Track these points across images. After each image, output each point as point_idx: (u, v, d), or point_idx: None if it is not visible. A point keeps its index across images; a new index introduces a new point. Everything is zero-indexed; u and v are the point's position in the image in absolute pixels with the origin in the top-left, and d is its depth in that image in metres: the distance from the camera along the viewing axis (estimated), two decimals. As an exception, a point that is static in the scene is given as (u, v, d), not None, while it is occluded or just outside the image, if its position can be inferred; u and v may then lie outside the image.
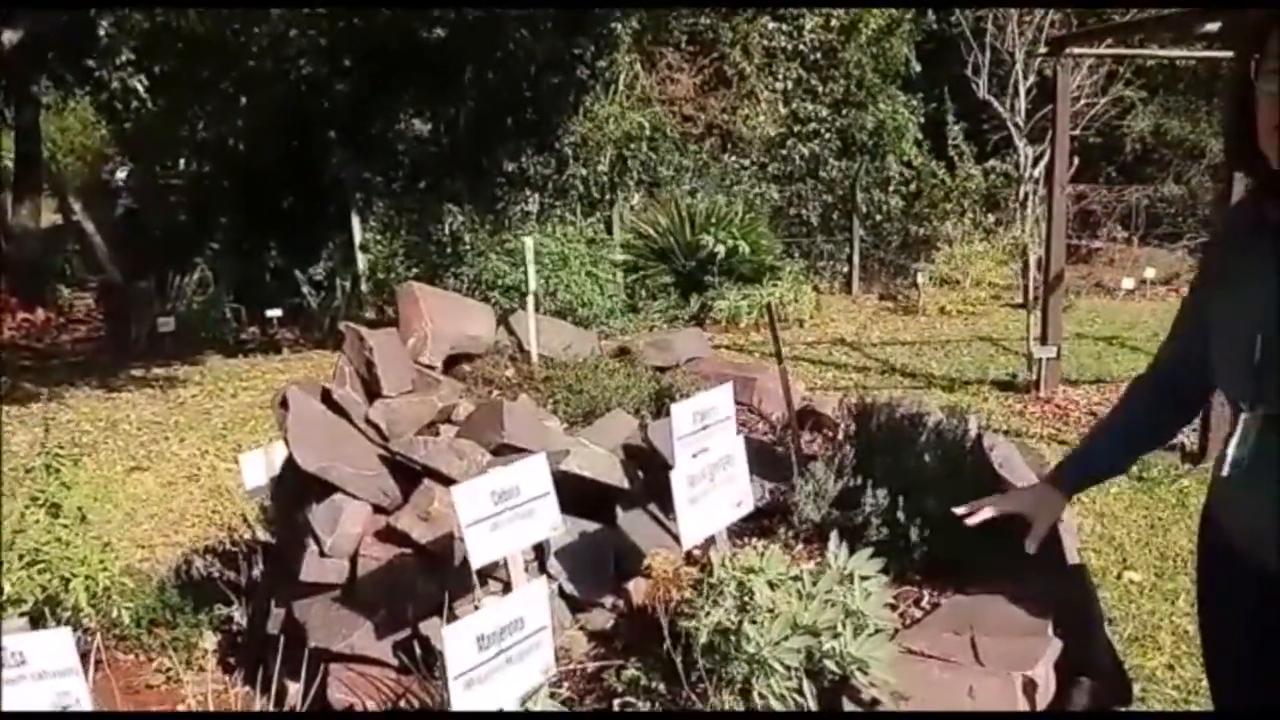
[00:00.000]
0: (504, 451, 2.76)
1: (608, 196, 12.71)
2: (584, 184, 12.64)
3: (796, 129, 14.41)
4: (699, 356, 4.13)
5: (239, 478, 3.98)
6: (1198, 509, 1.85)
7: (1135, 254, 14.38)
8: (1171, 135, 15.51)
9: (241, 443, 6.68)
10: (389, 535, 2.74)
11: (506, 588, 2.29)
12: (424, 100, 12.14)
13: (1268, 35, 1.50)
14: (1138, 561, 4.50)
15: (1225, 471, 1.60)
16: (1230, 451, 1.59)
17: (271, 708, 2.63)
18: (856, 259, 13.91)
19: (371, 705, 2.57)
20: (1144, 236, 15.12)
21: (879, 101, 14.48)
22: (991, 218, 13.81)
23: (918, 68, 14.79)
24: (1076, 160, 10.74)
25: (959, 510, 2.11)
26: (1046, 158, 8.81)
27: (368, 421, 2.96)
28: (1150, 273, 12.72)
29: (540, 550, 2.63)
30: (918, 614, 2.35)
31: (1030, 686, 2.00)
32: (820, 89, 14.51)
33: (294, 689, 2.62)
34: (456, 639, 1.75)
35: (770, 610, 2.05)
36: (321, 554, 2.76)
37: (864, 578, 2.18)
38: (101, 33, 7.89)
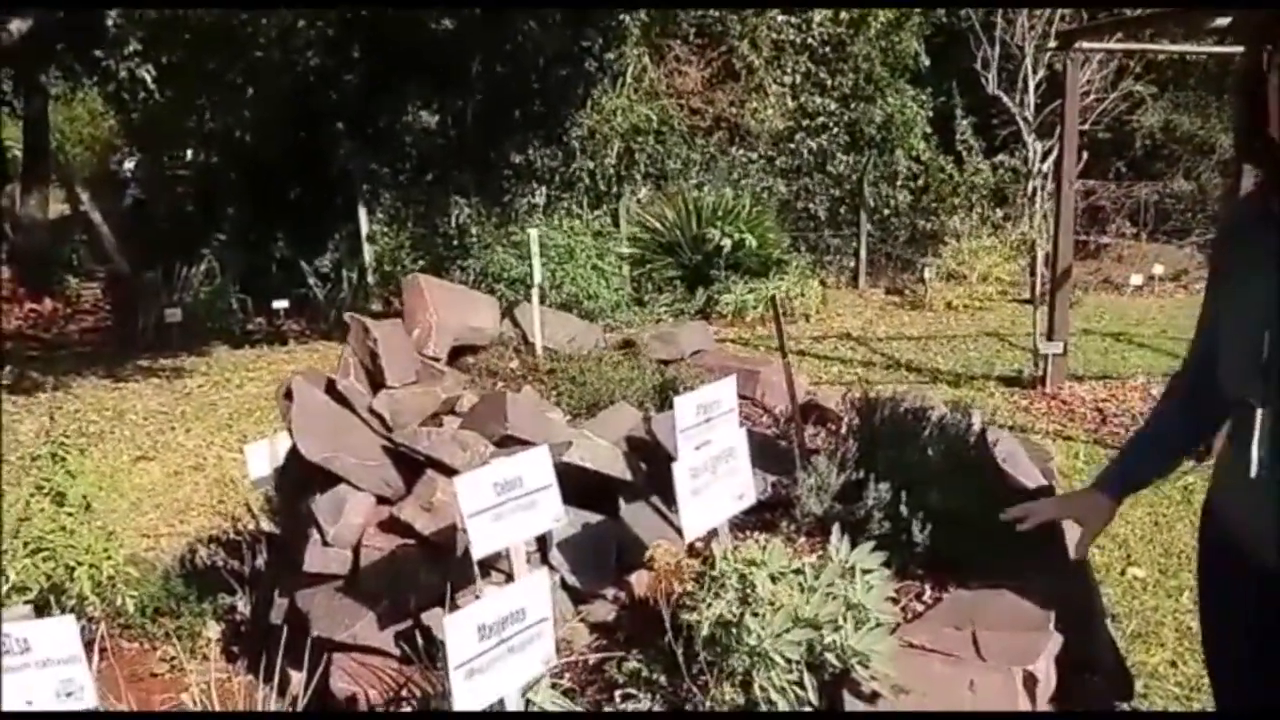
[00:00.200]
0: (507, 443, 2.77)
1: (614, 189, 12.69)
2: (591, 177, 12.62)
3: (805, 122, 14.36)
4: (703, 350, 4.13)
5: (244, 468, 4.00)
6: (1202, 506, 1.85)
7: (1144, 250, 14.32)
8: (1181, 131, 15.42)
9: (247, 433, 6.70)
10: (392, 526, 2.75)
11: (509, 579, 2.29)
12: (431, 92, 12.13)
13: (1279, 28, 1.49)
14: (1142, 558, 4.49)
15: (1254, 473, 1.57)
16: (1253, 452, 1.56)
17: (274, 697, 2.64)
18: (863, 253, 13.87)
19: (374, 695, 2.58)
20: (1153, 232, 15.05)
21: (887, 95, 14.41)
22: (999, 213, 13.75)
23: (927, 62, 14.71)
24: (1085, 155, 10.70)
25: (1010, 514, 2.09)
26: (1055, 153, 8.75)
27: (371, 412, 2.96)
28: (1159, 269, 12.66)
29: (543, 542, 2.63)
30: (919, 608, 2.35)
31: (1031, 681, 2.00)
32: (829, 82, 14.45)
33: (297, 678, 2.63)
34: (458, 629, 1.75)
35: (771, 603, 2.05)
36: (325, 544, 2.77)
37: (866, 571, 2.18)
38: (110, 23, 7.89)
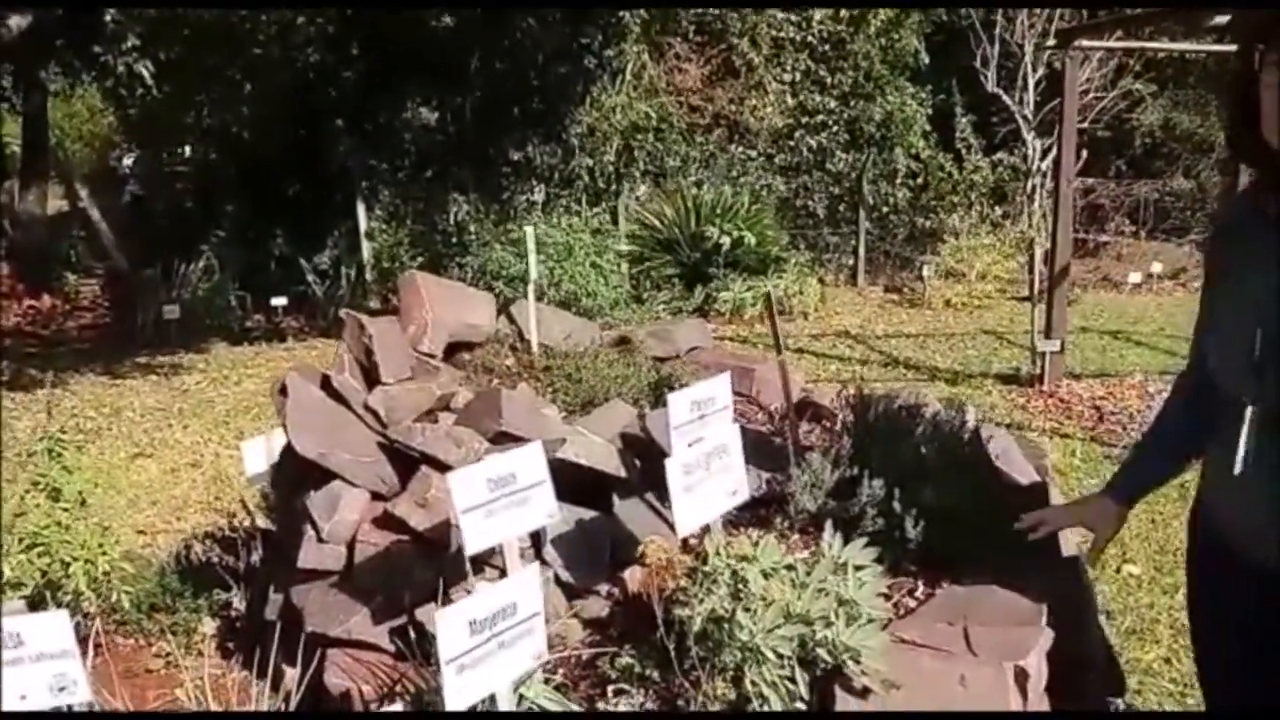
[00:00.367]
0: (502, 439, 2.77)
1: (613, 187, 12.69)
2: (590, 174, 12.63)
3: (804, 120, 14.36)
4: (700, 347, 4.12)
5: (240, 465, 4.00)
6: (1197, 503, 1.85)
7: (1143, 248, 14.33)
8: (1181, 129, 15.43)
9: (245, 430, 6.70)
10: (387, 522, 2.75)
11: (502, 575, 2.29)
12: (431, 89, 12.12)
13: (1273, 28, 1.49)
14: (1137, 555, 4.49)
15: (1237, 469, 1.57)
16: (1240, 448, 1.57)
17: (269, 693, 2.64)
18: (862, 251, 13.87)
19: (368, 690, 2.58)
20: (1152, 230, 15.06)
21: (887, 93, 14.42)
22: (999, 211, 13.77)
23: (926, 59, 14.72)
24: (1085, 153, 10.71)
25: (1023, 523, 2.10)
26: (1054, 151, 8.76)
27: (366, 408, 2.96)
28: (1157, 267, 12.67)
29: (537, 538, 2.64)
30: (912, 604, 2.35)
31: (1022, 676, 2.01)
32: (828, 80, 14.45)
33: (291, 674, 2.64)
34: (449, 624, 1.75)
35: (763, 599, 2.06)
36: (320, 540, 2.77)
37: (858, 567, 2.19)
38: (108, 18, 7.89)
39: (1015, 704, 1.99)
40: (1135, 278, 12.31)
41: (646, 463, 2.86)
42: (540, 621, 1.95)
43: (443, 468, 2.65)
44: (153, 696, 2.95)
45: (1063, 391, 7.45)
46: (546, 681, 2.23)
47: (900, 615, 2.28)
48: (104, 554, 3.04)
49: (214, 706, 2.60)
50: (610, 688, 2.23)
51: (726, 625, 2.04)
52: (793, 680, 2.03)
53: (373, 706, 2.51)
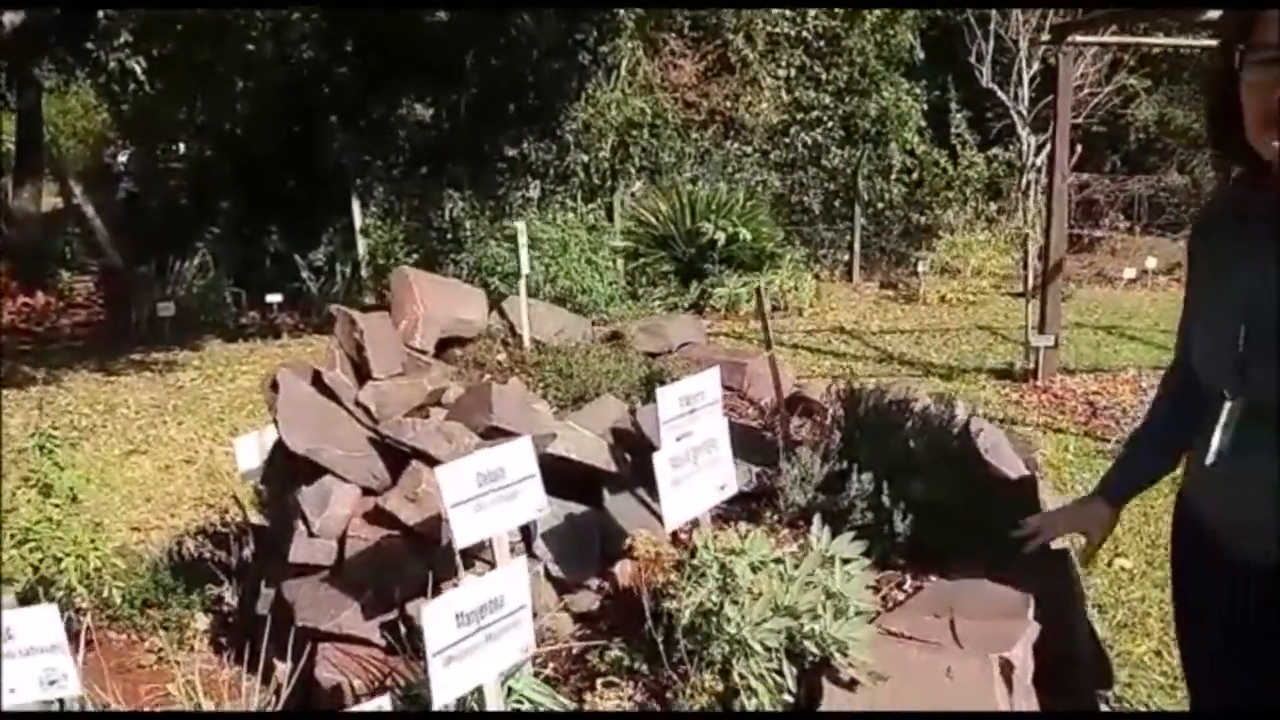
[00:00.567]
0: (493, 434, 2.77)
1: (609, 183, 12.68)
2: (585, 170, 12.61)
3: (799, 116, 14.36)
4: (692, 342, 4.13)
5: (234, 461, 4.00)
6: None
7: (1137, 243, 14.34)
8: (1175, 124, 15.44)
9: (239, 426, 6.69)
10: (377, 517, 2.76)
11: (492, 569, 2.30)
12: (425, 85, 12.10)
13: (1252, 26, 1.49)
14: (1129, 548, 4.50)
15: (1209, 460, 1.58)
16: (1214, 440, 1.57)
17: (260, 687, 2.65)
18: (858, 247, 13.87)
19: (358, 684, 2.59)
20: (1146, 226, 15.09)
21: (882, 89, 14.41)
22: (994, 206, 13.78)
23: (921, 55, 14.71)
24: (1079, 149, 10.72)
25: (1019, 534, 2.14)
26: (1049, 146, 8.76)
27: (357, 404, 2.97)
28: (1152, 262, 12.68)
29: (527, 532, 2.64)
30: (900, 597, 2.36)
31: (1007, 668, 2.02)
32: (823, 76, 14.45)
33: (282, 668, 2.65)
34: (435, 616, 1.76)
35: (751, 592, 2.07)
36: (310, 535, 2.78)
37: (846, 561, 2.20)
38: (101, 15, 7.88)
39: (1001, 695, 2.00)
40: (1130, 273, 12.32)
41: (637, 457, 2.87)
42: (527, 614, 1.95)
43: (433, 463, 2.65)
44: (145, 691, 2.96)
45: (1056, 386, 7.46)
46: (537, 675, 2.24)
47: (888, 608, 2.29)
48: (96, 550, 3.04)
49: (206, 701, 2.60)
50: (599, 681, 2.24)
51: (714, 618, 2.05)
52: (780, 673, 2.04)
53: (363, 700, 2.52)
